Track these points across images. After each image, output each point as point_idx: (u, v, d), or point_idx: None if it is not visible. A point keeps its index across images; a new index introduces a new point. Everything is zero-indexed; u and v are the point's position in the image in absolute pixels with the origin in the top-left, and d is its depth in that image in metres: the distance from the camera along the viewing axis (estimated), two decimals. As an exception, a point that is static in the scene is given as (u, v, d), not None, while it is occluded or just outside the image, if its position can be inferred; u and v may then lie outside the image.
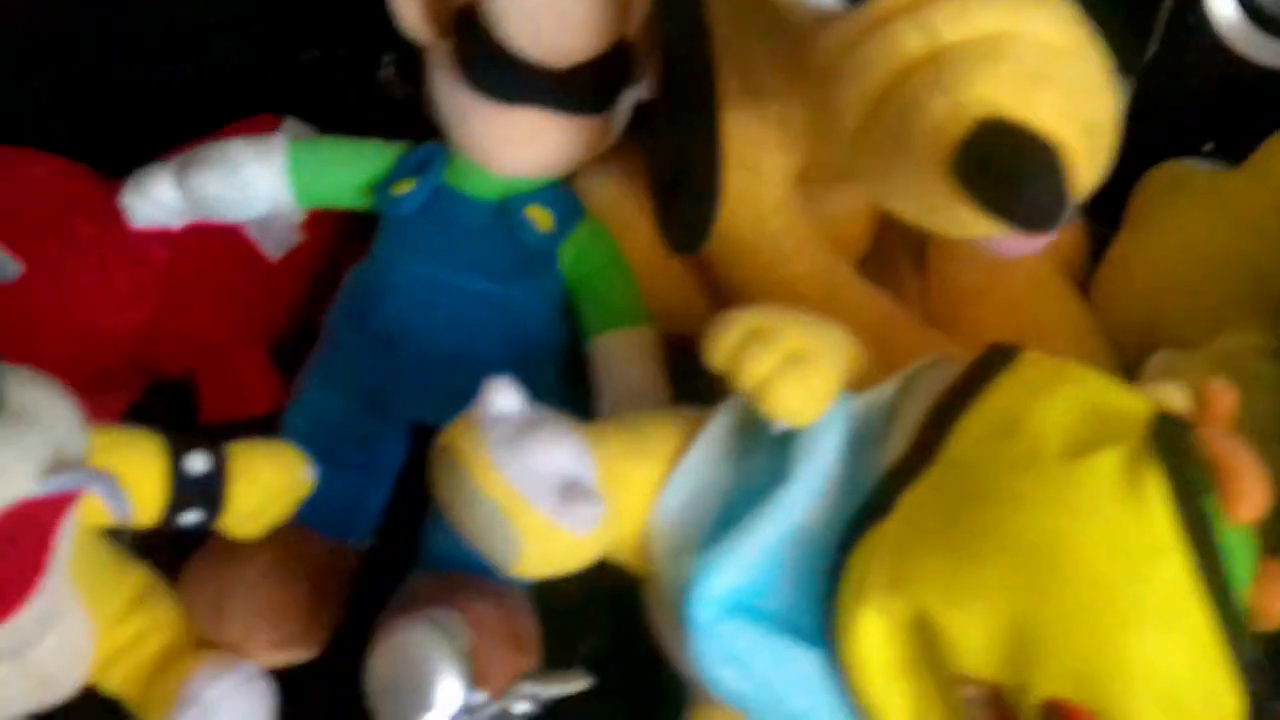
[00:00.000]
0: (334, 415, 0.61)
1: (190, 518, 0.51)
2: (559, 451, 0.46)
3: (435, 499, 0.48)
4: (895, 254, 0.70)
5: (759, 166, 0.58)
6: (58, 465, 0.44)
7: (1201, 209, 0.64)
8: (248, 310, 0.67)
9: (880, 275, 0.65)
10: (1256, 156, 0.64)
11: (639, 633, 0.53)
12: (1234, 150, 0.65)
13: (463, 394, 0.59)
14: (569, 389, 0.62)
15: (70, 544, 0.47)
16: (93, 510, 0.47)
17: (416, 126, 0.64)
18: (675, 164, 0.54)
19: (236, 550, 0.56)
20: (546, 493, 0.45)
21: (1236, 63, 0.66)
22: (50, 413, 0.45)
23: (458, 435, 0.46)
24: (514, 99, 0.59)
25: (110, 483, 0.45)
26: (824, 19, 0.49)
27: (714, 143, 0.54)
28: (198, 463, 0.50)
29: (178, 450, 0.50)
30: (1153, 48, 0.64)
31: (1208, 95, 0.67)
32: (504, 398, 0.46)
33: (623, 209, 0.64)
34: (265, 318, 0.68)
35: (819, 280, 0.61)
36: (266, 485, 0.53)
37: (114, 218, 0.61)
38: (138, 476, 0.48)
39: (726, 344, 0.46)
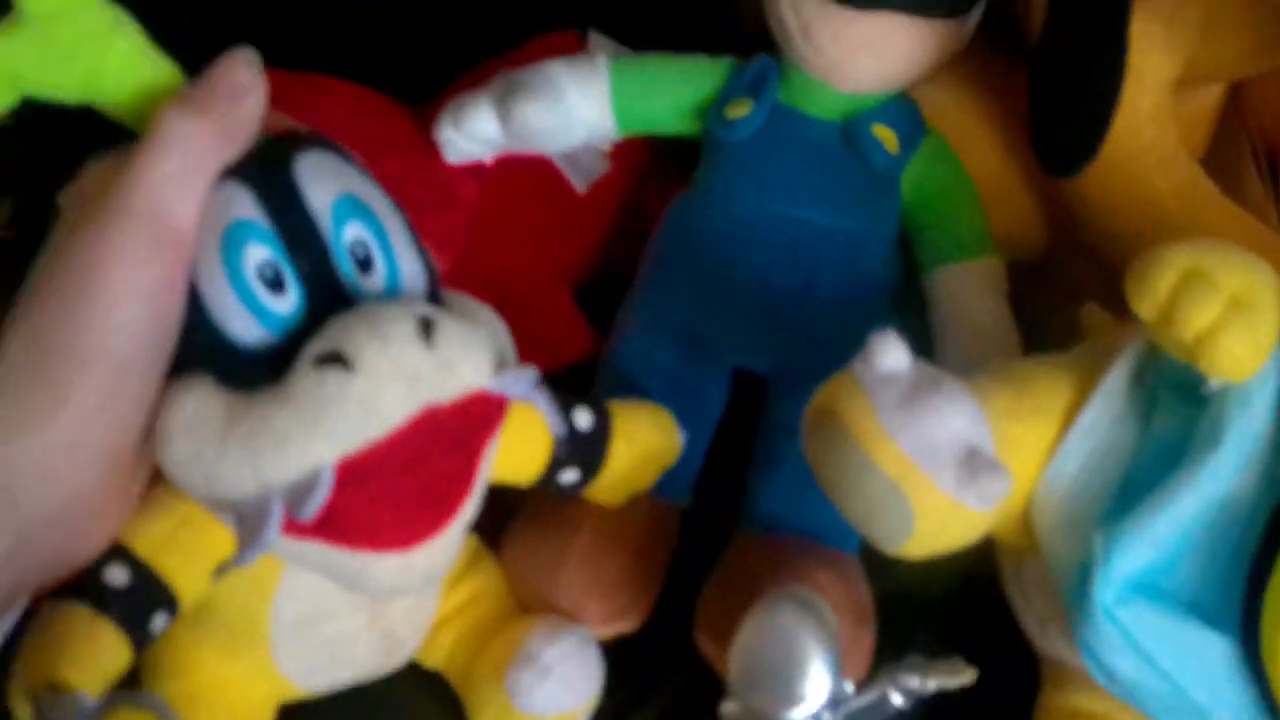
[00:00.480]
0: (658, 362, 0.56)
1: (568, 477, 0.49)
2: (957, 417, 0.40)
3: (814, 469, 0.43)
4: (1239, 159, 0.63)
5: (1140, 69, 0.51)
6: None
7: None
8: (554, 249, 0.63)
9: (1221, 182, 0.57)
10: None
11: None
12: None
13: (796, 339, 0.55)
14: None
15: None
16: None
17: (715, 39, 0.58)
18: (1072, 72, 0.48)
19: (562, 517, 0.53)
20: (947, 465, 0.39)
21: None
22: (490, 320, 0.44)
23: (842, 398, 0.41)
24: (869, 3, 0.52)
25: (547, 397, 0.45)
26: None
27: (1122, 47, 0.47)
28: (582, 419, 0.48)
29: (562, 403, 0.47)
30: None
31: None
32: (892, 355, 0.41)
33: (962, 122, 0.58)
34: (571, 257, 0.63)
35: (1184, 197, 0.55)
36: (644, 447, 0.50)
37: (420, 153, 0.57)
38: (524, 431, 0.46)
39: (1160, 288, 0.40)
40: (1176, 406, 0.44)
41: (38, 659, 0.39)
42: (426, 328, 0.39)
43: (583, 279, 0.64)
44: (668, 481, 0.55)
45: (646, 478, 0.51)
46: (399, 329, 0.39)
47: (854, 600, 0.52)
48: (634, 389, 0.54)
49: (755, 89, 0.56)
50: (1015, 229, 0.59)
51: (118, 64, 0.40)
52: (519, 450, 0.47)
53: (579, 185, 0.62)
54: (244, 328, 0.39)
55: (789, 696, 0.43)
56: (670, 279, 0.58)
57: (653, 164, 0.64)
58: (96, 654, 0.39)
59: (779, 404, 0.56)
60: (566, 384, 0.56)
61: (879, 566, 0.53)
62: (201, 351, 0.39)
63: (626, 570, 0.53)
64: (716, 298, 0.56)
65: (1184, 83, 0.55)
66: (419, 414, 0.40)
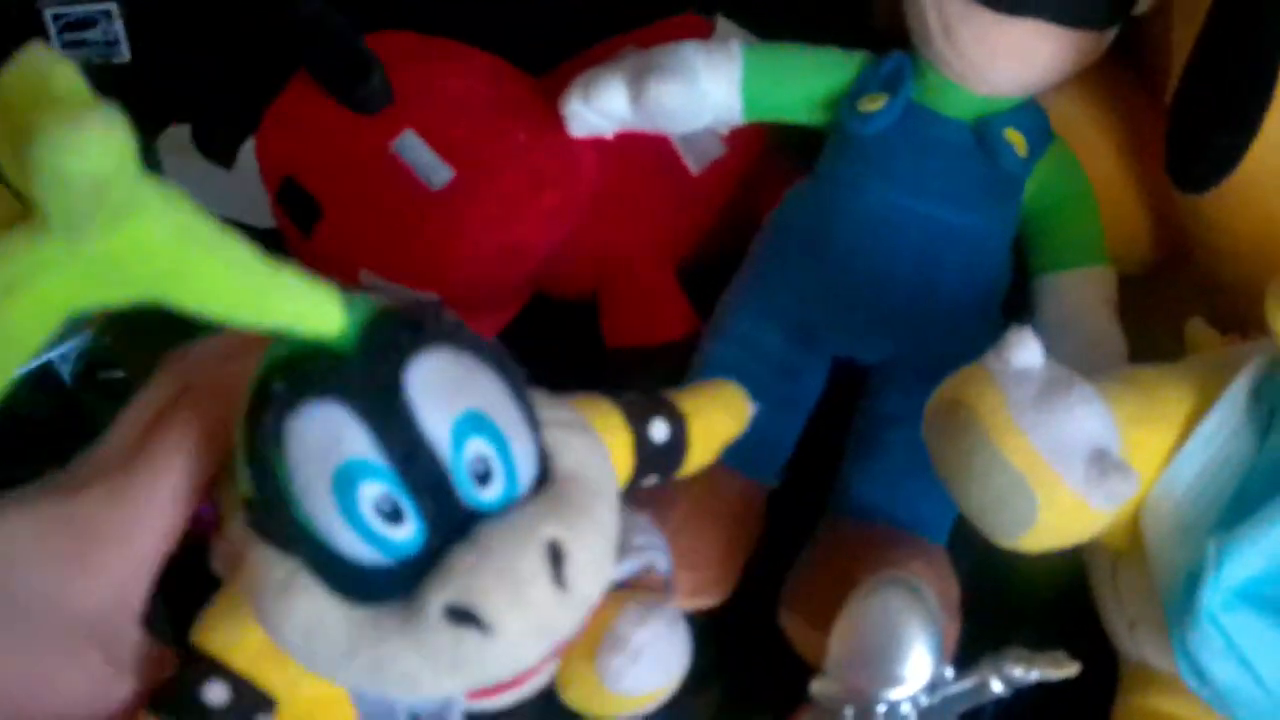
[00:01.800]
0: (763, 347, 0.57)
1: (649, 482, 0.48)
2: (1089, 418, 0.41)
3: (933, 457, 0.43)
4: None
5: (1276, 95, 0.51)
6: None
7: None
8: (664, 227, 0.63)
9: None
10: None
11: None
12: None
13: (911, 332, 0.56)
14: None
15: None
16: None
17: (841, 30, 0.59)
18: (1220, 88, 0.48)
19: (659, 490, 0.52)
20: (1077, 463, 0.40)
21: None
22: (595, 447, 0.42)
23: (974, 390, 0.41)
24: (1017, 8, 0.52)
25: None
26: None
27: (1274, 65, 0.47)
28: (659, 430, 0.47)
29: (637, 417, 0.46)
30: None
31: None
32: (1028, 351, 0.41)
33: (1087, 132, 0.58)
34: (679, 237, 0.63)
35: None
36: (721, 439, 0.49)
37: (544, 124, 0.57)
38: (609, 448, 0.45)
39: None
40: (1297, 422, 0.44)
41: None
42: (556, 561, 0.37)
43: (690, 259, 0.64)
44: (761, 463, 0.56)
45: (715, 453, 0.50)
46: (535, 582, 0.37)
47: (944, 590, 0.52)
48: (735, 370, 0.53)
49: (891, 85, 0.56)
50: (1125, 240, 0.59)
51: (199, 280, 0.33)
52: None
53: (693, 166, 0.62)
54: (359, 552, 0.37)
55: (890, 677, 0.43)
56: (784, 266, 0.58)
57: (767, 150, 0.64)
58: None
59: (885, 395, 0.56)
60: (665, 360, 0.57)
61: (967, 566, 0.54)
62: (304, 553, 0.37)
63: (716, 545, 0.53)
64: (831, 287, 0.56)
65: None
66: None
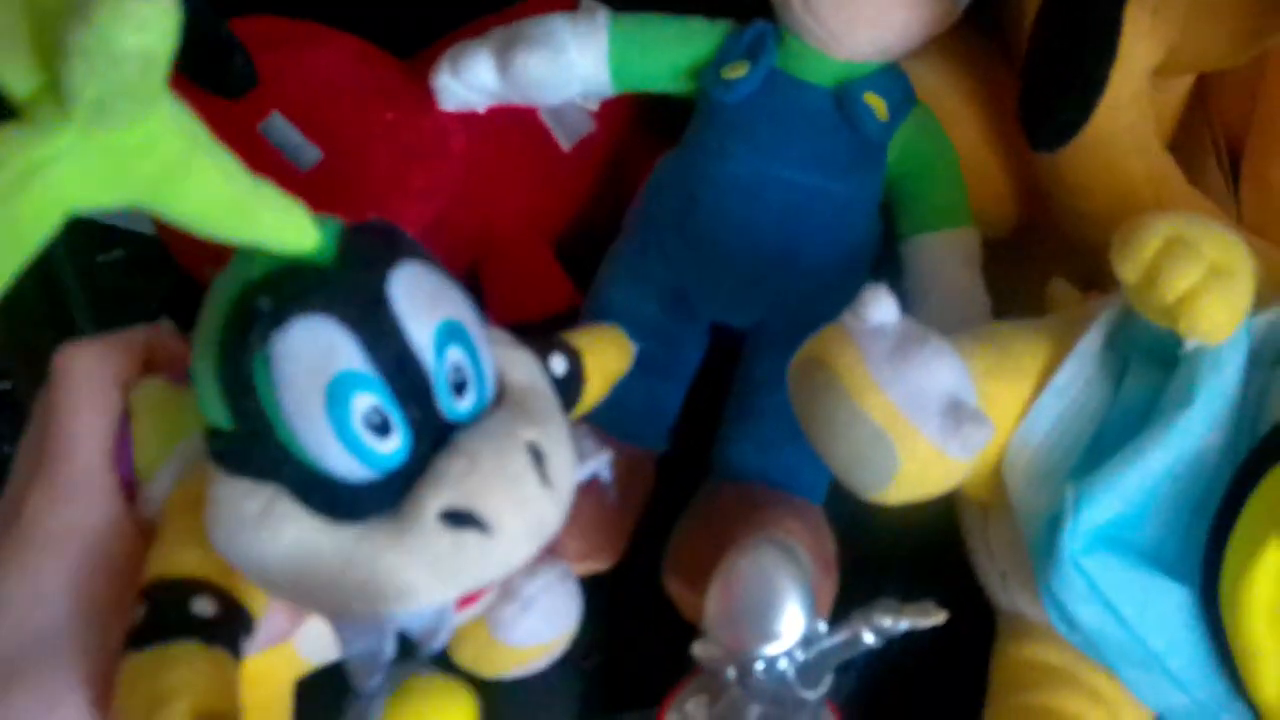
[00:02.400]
0: (641, 315, 0.58)
1: None
2: (943, 369, 0.42)
3: (798, 415, 0.44)
4: (1202, 151, 0.65)
5: (1125, 54, 0.52)
6: None
7: None
8: (538, 203, 0.63)
9: (1185, 173, 0.60)
10: None
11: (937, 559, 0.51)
12: None
13: (779, 297, 0.57)
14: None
15: None
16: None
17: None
18: (1065, 51, 0.49)
19: None
20: (933, 414, 0.41)
21: None
22: (530, 364, 0.43)
23: (832, 348, 0.42)
24: None
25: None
26: None
27: (1116, 28, 0.48)
28: (558, 364, 0.47)
29: (537, 353, 0.46)
30: None
31: None
32: (882, 308, 0.42)
33: (948, 98, 0.59)
34: (554, 211, 0.64)
35: (1154, 181, 0.57)
36: (612, 374, 0.50)
37: (413, 103, 0.57)
38: None
39: (1145, 253, 0.42)
40: (1146, 371, 0.45)
41: (175, 702, 0.35)
42: (538, 459, 0.38)
43: (564, 234, 0.65)
44: (645, 430, 0.57)
45: (602, 395, 0.51)
46: (526, 479, 0.38)
47: (820, 548, 0.54)
48: None
49: (753, 53, 0.57)
50: (990, 204, 0.61)
51: (193, 187, 0.34)
52: None
53: (564, 142, 0.63)
54: (346, 468, 0.37)
55: (764, 633, 0.44)
56: (656, 234, 0.59)
57: (636, 125, 0.65)
58: (231, 683, 0.37)
59: (757, 359, 0.57)
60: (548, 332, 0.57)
61: (844, 524, 0.55)
62: (286, 477, 0.37)
63: (601, 512, 0.54)
64: (702, 254, 0.57)
65: (1163, 71, 0.57)
66: None
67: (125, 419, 0.43)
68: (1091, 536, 0.43)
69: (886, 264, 0.59)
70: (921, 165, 0.58)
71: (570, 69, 0.57)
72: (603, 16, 0.57)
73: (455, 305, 0.39)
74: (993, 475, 0.47)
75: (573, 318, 0.59)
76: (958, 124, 0.59)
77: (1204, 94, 0.66)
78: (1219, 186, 0.65)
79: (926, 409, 0.41)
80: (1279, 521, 0.40)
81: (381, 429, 0.36)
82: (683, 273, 0.58)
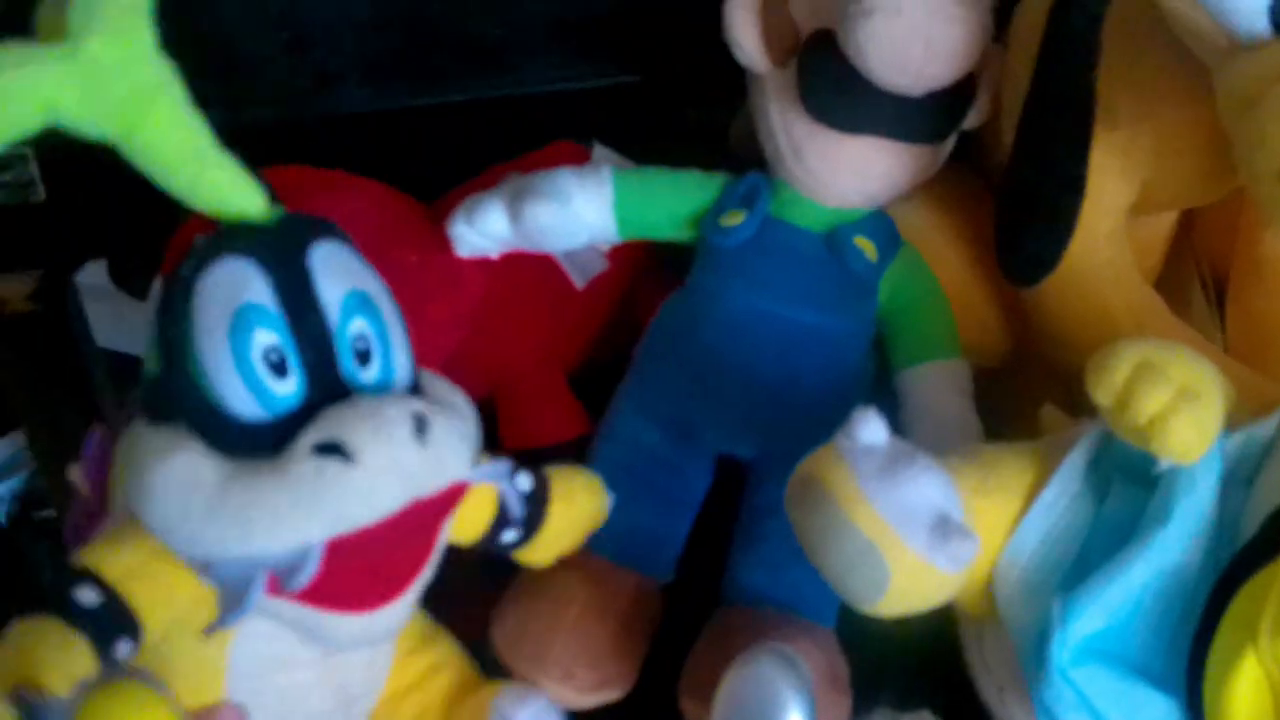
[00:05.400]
0: (646, 445, 0.60)
1: (508, 537, 0.51)
2: (930, 485, 0.44)
3: (796, 531, 0.46)
4: (1188, 283, 0.68)
5: (1098, 194, 0.56)
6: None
7: None
8: (552, 338, 0.67)
9: (1170, 304, 0.62)
10: None
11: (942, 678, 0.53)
12: None
13: (779, 427, 0.59)
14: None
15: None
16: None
17: (704, 154, 0.64)
18: (1035, 192, 0.53)
19: (552, 590, 0.56)
20: (920, 528, 0.43)
21: None
22: (464, 407, 0.47)
23: (825, 466, 0.45)
24: (856, 128, 0.58)
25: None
26: (1243, 46, 0.47)
27: (1082, 170, 0.52)
28: (524, 481, 0.50)
29: (508, 473, 0.50)
30: None
31: None
32: (871, 429, 0.45)
33: (933, 239, 0.63)
34: (568, 346, 0.67)
35: (1135, 312, 0.59)
36: (580, 509, 0.53)
37: (434, 245, 0.61)
38: (472, 498, 0.49)
39: (1117, 378, 0.44)
40: (1127, 490, 0.48)
41: (12, 662, 0.39)
42: (421, 426, 0.42)
43: (578, 366, 0.68)
44: (653, 560, 0.59)
45: (575, 539, 0.54)
46: (398, 427, 0.41)
47: (830, 666, 0.55)
48: (622, 469, 0.58)
49: (748, 201, 0.61)
50: (979, 336, 0.63)
51: (159, 120, 0.40)
52: (467, 515, 0.50)
53: (578, 281, 0.66)
54: (242, 404, 0.41)
55: (766, 739, 0.46)
56: (662, 369, 0.62)
57: (649, 265, 0.69)
58: (69, 661, 0.39)
59: (761, 487, 0.60)
60: (559, 460, 0.59)
61: (855, 640, 0.57)
62: (190, 413, 0.41)
63: (614, 641, 0.56)
64: (705, 388, 0.60)
65: (1139, 208, 0.60)
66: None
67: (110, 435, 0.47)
68: (1079, 649, 0.45)
69: (886, 395, 0.62)
70: (910, 301, 0.62)
71: (577, 219, 0.61)
72: (608, 170, 0.62)
73: (372, 286, 0.44)
74: (985, 591, 0.49)
75: (584, 444, 0.62)
76: (943, 261, 0.62)
77: (1189, 227, 0.68)
78: (1205, 317, 0.68)
79: (914, 523, 0.43)
80: (1254, 634, 0.41)
81: (279, 369, 0.41)
82: (686, 405, 0.61)
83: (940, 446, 0.57)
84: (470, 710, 0.52)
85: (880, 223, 0.62)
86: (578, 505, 0.53)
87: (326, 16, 0.69)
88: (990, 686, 0.53)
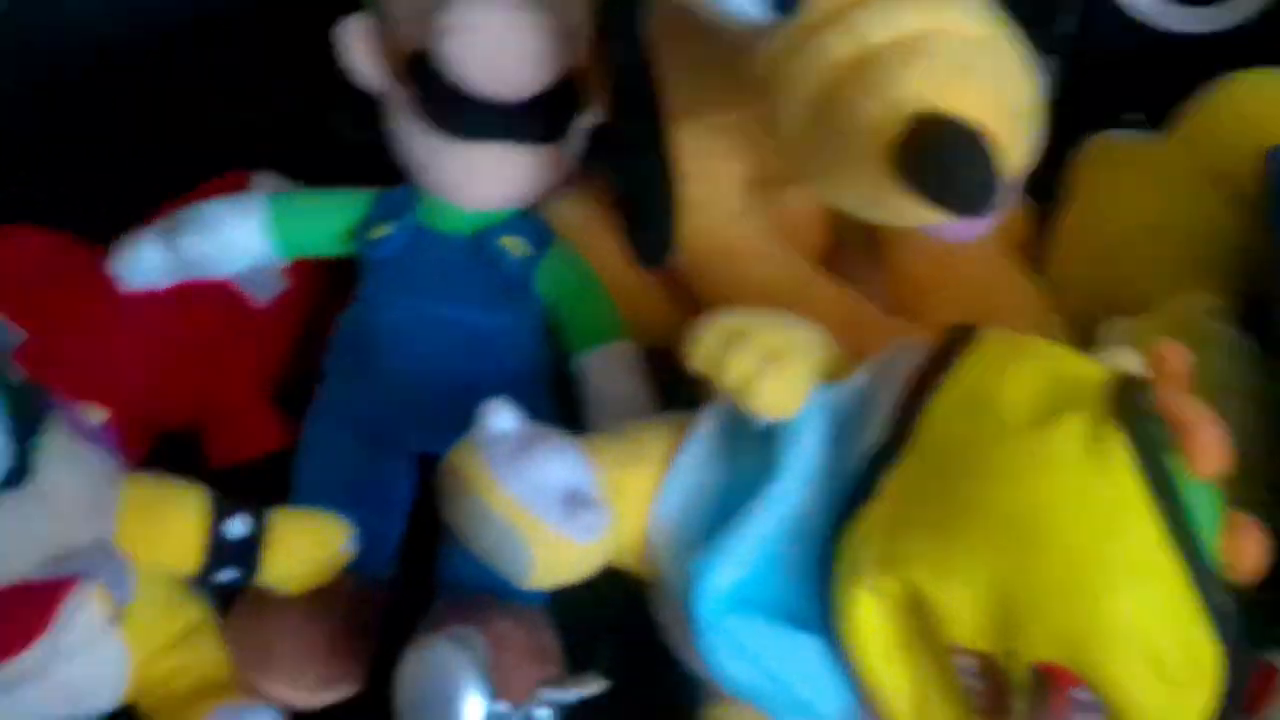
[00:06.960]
0: (342, 454, 0.63)
1: (227, 575, 0.54)
2: (559, 464, 0.48)
3: (447, 522, 0.50)
4: (853, 250, 0.71)
5: (713, 176, 0.61)
6: (67, 552, 0.48)
7: (1136, 177, 0.66)
8: (243, 358, 0.69)
9: (841, 271, 0.67)
10: (1179, 123, 0.66)
11: (653, 636, 0.55)
12: (1157, 116, 0.68)
13: (462, 421, 0.61)
14: (560, 407, 0.64)
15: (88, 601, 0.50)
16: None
17: (386, 170, 0.66)
18: (633, 183, 0.57)
19: (274, 598, 0.58)
20: (551, 505, 0.47)
21: (1150, 33, 0.70)
22: (72, 493, 0.49)
23: (461, 458, 0.48)
24: (474, 136, 0.62)
25: (117, 572, 0.50)
26: (758, 31, 0.51)
27: (665, 159, 0.57)
28: (237, 527, 0.53)
29: (221, 512, 0.53)
30: (1070, 27, 0.66)
31: (1127, 65, 0.70)
32: (501, 418, 0.49)
33: (588, 231, 0.66)
34: (260, 364, 0.70)
35: (785, 282, 0.63)
36: (300, 556, 0.56)
37: (108, 285, 0.64)
38: (178, 533, 0.52)
39: (706, 348, 0.49)
40: (751, 449, 0.51)
41: None
42: None
43: (279, 379, 0.70)
44: (367, 560, 0.61)
45: (313, 576, 0.57)
46: None
47: (531, 640, 0.58)
48: (322, 478, 0.61)
49: (395, 213, 0.64)
50: (645, 317, 0.67)
51: None
52: (168, 552, 0.53)
53: (260, 300, 0.69)
54: None
55: (446, 717, 0.48)
56: (346, 379, 0.65)
57: (334, 278, 0.71)
58: None
59: (461, 481, 0.63)
60: (265, 471, 0.62)
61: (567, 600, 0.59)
62: None
63: (338, 640, 0.59)
64: (390, 393, 0.64)
65: (775, 183, 0.64)
66: None
67: None
68: (729, 599, 0.48)
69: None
70: (569, 292, 0.66)
71: (231, 245, 0.64)
72: (260, 197, 0.65)
73: None
74: (644, 554, 0.52)
75: (288, 455, 0.65)
76: (601, 251, 0.66)
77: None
78: (872, 280, 0.71)
79: (545, 500, 0.47)
80: (860, 570, 0.45)
81: None
82: (371, 411, 0.64)
83: (619, 425, 0.61)
84: (192, 716, 0.54)
85: (528, 221, 0.66)
86: (298, 553, 0.56)
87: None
88: (673, 641, 0.56)
